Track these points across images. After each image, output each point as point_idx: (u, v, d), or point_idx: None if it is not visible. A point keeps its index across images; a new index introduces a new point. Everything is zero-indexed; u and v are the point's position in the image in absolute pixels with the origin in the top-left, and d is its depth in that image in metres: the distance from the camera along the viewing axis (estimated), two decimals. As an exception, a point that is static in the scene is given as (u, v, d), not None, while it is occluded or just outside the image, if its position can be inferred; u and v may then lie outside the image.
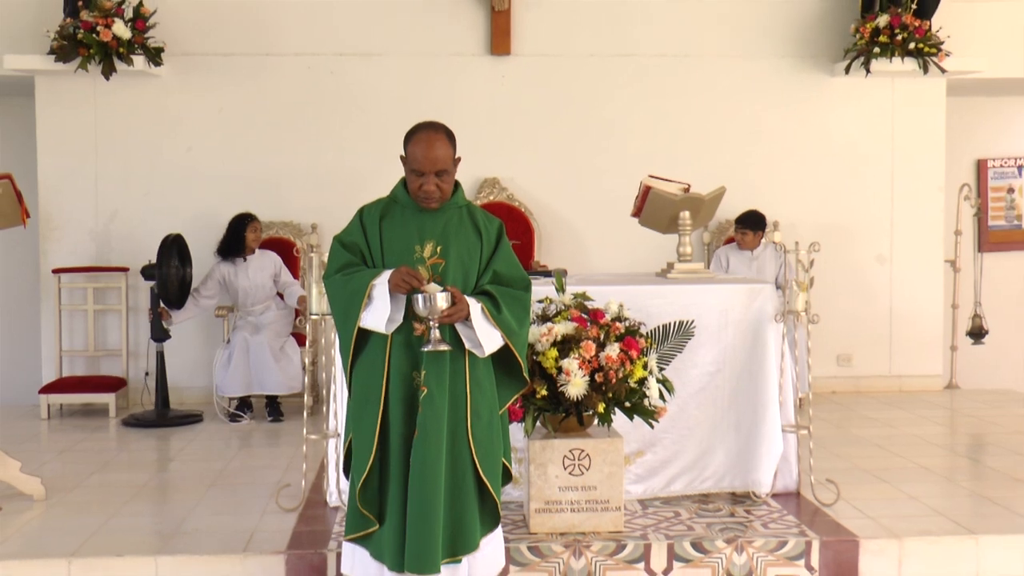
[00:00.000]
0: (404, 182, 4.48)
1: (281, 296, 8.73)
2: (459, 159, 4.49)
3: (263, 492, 6.19)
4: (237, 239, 8.58)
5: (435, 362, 4.25)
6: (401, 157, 4.44)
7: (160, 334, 8.54)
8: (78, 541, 5.39)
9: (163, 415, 8.55)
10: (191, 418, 8.57)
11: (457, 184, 4.54)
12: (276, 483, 6.17)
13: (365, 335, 4.33)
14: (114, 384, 8.85)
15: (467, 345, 4.32)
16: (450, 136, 4.43)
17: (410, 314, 4.20)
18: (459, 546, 4.30)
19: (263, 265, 8.63)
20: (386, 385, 4.28)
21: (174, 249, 8.39)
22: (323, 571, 5.13)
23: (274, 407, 8.56)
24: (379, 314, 4.20)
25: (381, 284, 4.20)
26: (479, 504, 4.43)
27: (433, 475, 4.22)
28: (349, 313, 4.28)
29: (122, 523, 5.73)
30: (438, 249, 4.36)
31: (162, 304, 8.48)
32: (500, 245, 4.51)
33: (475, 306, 4.28)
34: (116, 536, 5.48)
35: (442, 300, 4.13)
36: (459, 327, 4.30)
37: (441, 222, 4.42)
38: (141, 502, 6.22)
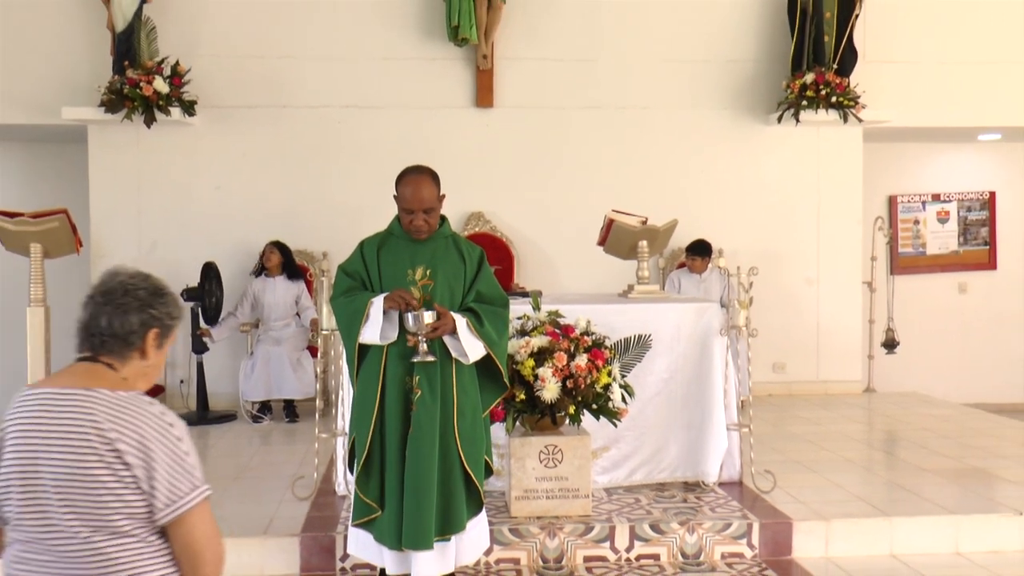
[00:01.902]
0: (398, 217, 4.51)
1: (299, 316, 8.74)
2: (443, 196, 4.51)
3: (281, 483, 6.16)
4: (261, 261, 8.75)
5: (426, 369, 4.30)
6: (394, 196, 4.46)
7: (200, 347, 8.64)
8: (121, 526, 5.33)
9: (203, 415, 8.56)
10: (226, 417, 8.61)
11: (443, 218, 4.56)
12: (292, 475, 6.12)
13: (365, 347, 4.38)
14: (154, 390, 8.76)
15: (454, 354, 4.35)
16: (435, 177, 4.45)
17: (404, 329, 4.22)
18: (449, 527, 4.32)
19: (289, 287, 8.69)
20: (381, 390, 4.33)
21: (211, 274, 8.55)
22: (332, 551, 5.11)
23: (291, 410, 8.55)
24: (375, 329, 4.26)
25: (377, 304, 4.27)
26: (465, 491, 4.45)
27: (427, 465, 4.26)
28: (351, 329, 4.34)
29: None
30: (428, 273, 4.40)
31: (204, 325, 8.57)
32: (482, 269, 4.54)
33: (461, 321, 4.31)
34: (155, 522, 5.43)
35: (428, 317, 4.19)
36: (447, 339, 4.33)
37: (430, 250, 4.45)
38: (176, 492, 6.17)
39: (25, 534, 2.30)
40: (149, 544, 2.33)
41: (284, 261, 8.72)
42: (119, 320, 2.41)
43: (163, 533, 2.34)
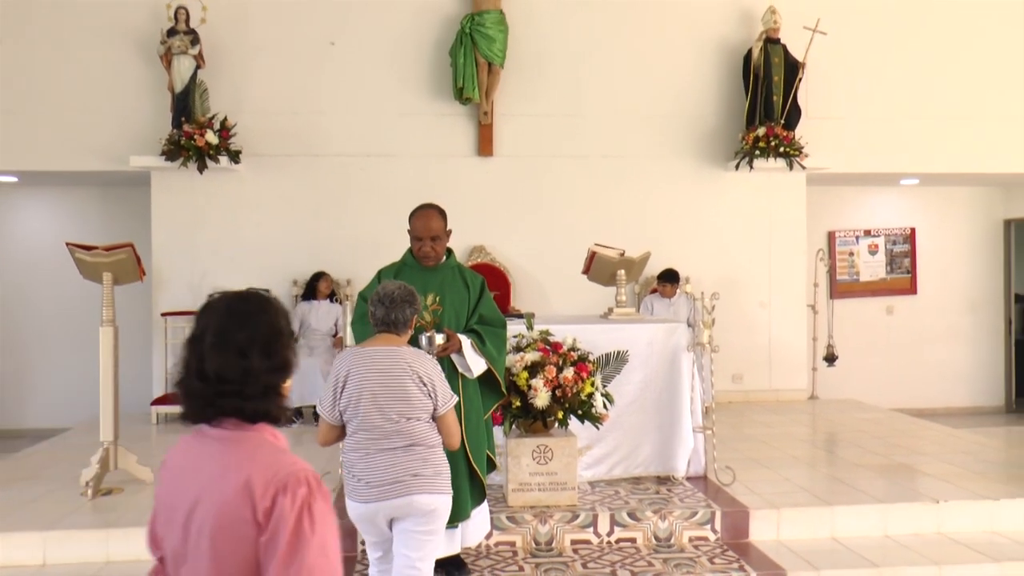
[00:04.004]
0: (411, 250, 4.51)
1: (336, 335, 8.75)
2: (450, 231, 4.51)
3: (312, 477, 6.12)
4: (311, 287, 8.76)
5: None
6: (407, 230, 4.46)
7: None
8: (175, 514, 5.31)
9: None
10: (263, 421, 8.51)
11: (449, 250, 4.57)
12: (320, 471, 6.08)
13: None
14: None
15: (460, 369, 4.33)
16: (442, 212, 4.46)
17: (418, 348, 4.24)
18: (456, 515, 4.28)
19: (331, 311, 8.74)
20: None
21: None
22: (354, 535, 5.07)
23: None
24: None
25: None
26: (470, 484, 4.42)
27: None
28: None
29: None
30: (437, 299, 4.38)
31: None
32: (483, 295, 4.54)
33: (466, 341, 4.31)
34: (204, 510, 5.40)
35: (439, 338, 4.18)
36: (454, 357, 4.32)
37: (439, 278, 4.45)
38: (222, 484, 6.14)
39: (363, 424, 3.54)
40: (431, 425, 3.60)
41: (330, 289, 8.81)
42: (400, 313, 3.63)
43: (434, 420, 3.61)
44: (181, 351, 1.95)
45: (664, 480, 6.00)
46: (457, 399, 3.72)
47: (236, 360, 1.87)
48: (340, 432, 3.67)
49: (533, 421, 5.34)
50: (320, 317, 8.67)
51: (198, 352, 1.90)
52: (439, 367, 3.69)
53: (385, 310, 3.62)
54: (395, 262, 4.61)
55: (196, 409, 1.91)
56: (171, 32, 8.71)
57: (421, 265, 4.45)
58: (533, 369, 5.20)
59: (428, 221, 4.40)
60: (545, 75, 9.46)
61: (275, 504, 1.75)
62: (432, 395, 3.56)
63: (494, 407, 4.70)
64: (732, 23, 9.71)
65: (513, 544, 5.17)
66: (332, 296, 8.84)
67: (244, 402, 1.88)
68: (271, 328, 1.95)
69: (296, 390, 8.28)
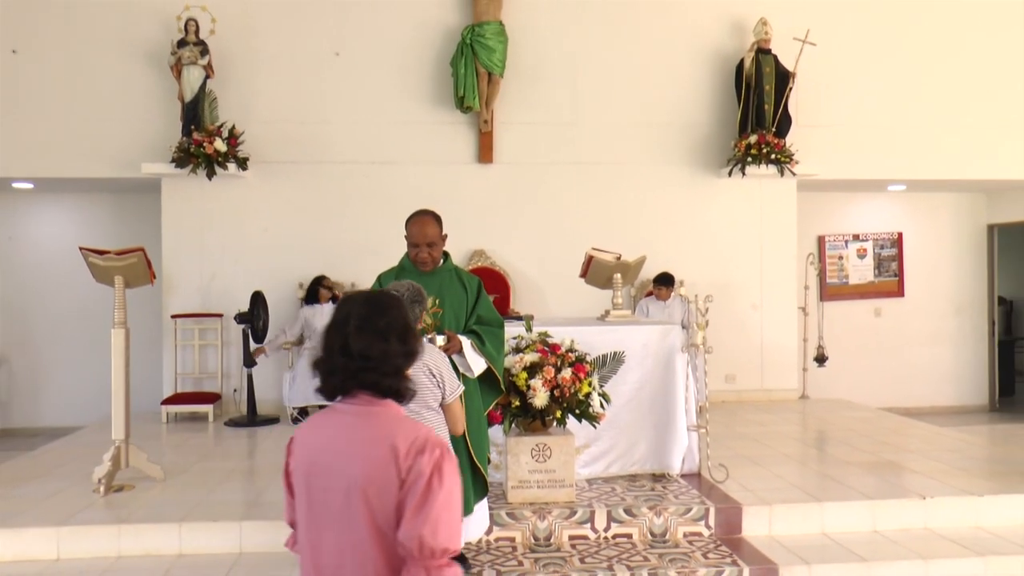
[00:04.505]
0: (408, 254, 4.49)
1: None
2: (446, 235, 4.48)
3: (318, 474, 6.11)
4: (313, 291, 8.71)
5: None
6: (404, 236, 4.44)
7: (250, 362, 8.54)
8: (186, 510, 5.31)
9: (252, 419, 8.49)
10: (272, 420, 8.51)
11: (446, 254, 4.54)
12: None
13: None
14: (212, 398, 8.75)
15: (461, 369, 4.32)
16: (437, 218, 4.43)
17: None
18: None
19: None
20: None
21: (259, 301, 8.53)
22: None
23: (325, 413, 8.50)
24: None
25: None
26: (473, 479, 4.41)
27: None
28: None
29: (217, 497, 5.65)
30: (437, 302, 4.36)
31: (255, 344, 8.53)
32: (480, 296, 4.52)
33: (466, 342, 4.30)
34: (213, 507, 5.41)
35: (440, 340, 4.18)
36: (455, 357, 4.30)
37: (438, 281, 4.42)
38: (231, 482, 6.13)
39: None
40: (439, 413, 3.81)
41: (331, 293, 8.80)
42: (411, 312, 3.57)
43: (441, 407, 3.81)
44: (323, 335, 2.20)
45: (659, 477, 5.99)
46: (463, 388, 3.97)
47: (377, 342, 2.14)
48: None
49: (532, 420, 5.34)
50: (325, 319, 8.63)
51: (343, 334, 2.15)
52: (447, 359, 3.90)
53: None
54: (394, 267, 4.59)
55: (337, 383, 2.16)
56: (181, 43, 8.71)
57: (419, 270, 4.44)
58: (532, 370, 5.19)
59: (424, 228, 4.37)
60: (543, 85, 9.47)
61: (414, 463, 2.04)
62: (440, 385, 3.77)
63: (492, 403, 4.70)
64: (725, 34, 9.72)
65: (513, 540, 5.16)
66: (333, 299, 8.82)
67: (381, 377, 2.15)
68: (404, 320, 2.23)
69: (302, 390, 8.28)
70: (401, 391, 2.19)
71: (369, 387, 2.15)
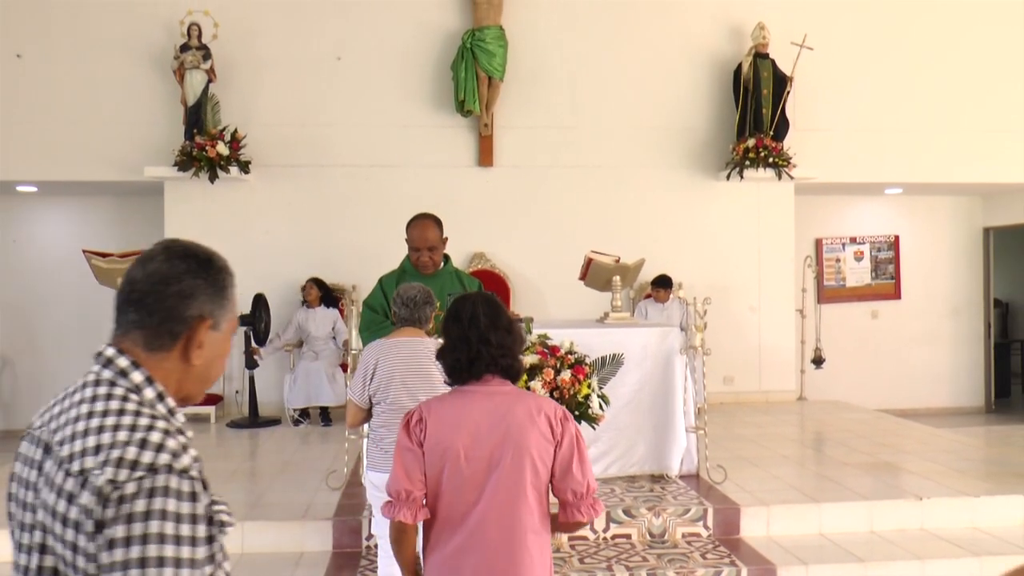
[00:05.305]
0: (408, 257, 4.48)
1: (335, 338, 8.73)
2: (447, 239, 4.48)
3: (317, 476, 6.12)
4: (304, 295, 8.75)
5: None
6: (405, 240, 4.43)
7: (251, 364, 8.53)
8: (187, 511, 5.29)
9: (254, 420, 8.48)
10: (273, 422, 8.50)
11: (447, 256, 4.53)
12: (326, 469, 6.09)
13: None
14: (214, 399, 8.74)
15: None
16: (437, 222, 4.43)
17: None
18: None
19: (327, 316, 8.70)
20: None
21: (261, 304, 8.50)
22: (359, 532, 5.08)
23: (325, 415, 8.50)
24: None
25: None
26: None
27: None
28: None
29: (220, 497, 5.63)
30: (437, 303, 4.35)
31: (255, 346, 8.51)
32: None
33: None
34: (214, 507, 5.39)
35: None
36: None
37: (438, 284, 4.42)
38: (234, 482, 6.14)
39: (392, 404, 3.71)
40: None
41: (322, 294, 8.73)
42: (422, 312, 3.84)
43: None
44: (451, 330, 2.56)
45: (658, 478, 5.99)
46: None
47: (505, 335, 2.55)
48: (367, 415, 3.87)
49: (532, 421, 5.32)
50: (318, 323, 8.65)
51: (478, 328, 2.53)
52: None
53: (408, 311, 3.87)
54: (395, 270, 4.59)
55: (476, 368, 2.52)
56: (184, 47, 8.71)
57: (420, 273, 4.43)
58: (532, 371, 5.17)
59: (424, 232, 4.37)
60: (543, 88, 9.46)
61: (564, 428, 2.52)
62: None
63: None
64: (723, 39, 9.72)
65: (512, 540, 5.15)
66: (325, 301, 8.79)
67: (513, 361, 2.57)
68: (511, 318, 2.64)
69: (302, 392, 8.28)
70: (520, 371, 2.63)
71: (503, 370, 2.55)
